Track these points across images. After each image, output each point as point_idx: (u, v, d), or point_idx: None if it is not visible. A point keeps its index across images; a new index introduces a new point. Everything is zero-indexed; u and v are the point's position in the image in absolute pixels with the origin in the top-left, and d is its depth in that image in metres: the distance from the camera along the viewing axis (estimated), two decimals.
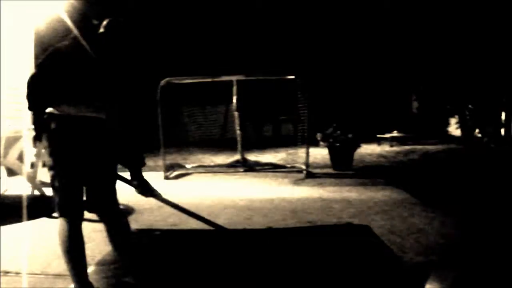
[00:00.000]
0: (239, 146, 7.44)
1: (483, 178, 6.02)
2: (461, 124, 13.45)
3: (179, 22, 14.02)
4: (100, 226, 3.64)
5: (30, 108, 2.13)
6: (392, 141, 11.84)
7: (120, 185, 5.63)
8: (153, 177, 6.46)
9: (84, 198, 2.18)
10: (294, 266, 2.66)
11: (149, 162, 8.31)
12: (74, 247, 2.02)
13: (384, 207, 4.22)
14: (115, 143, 2.25)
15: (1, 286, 2.35)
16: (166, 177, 6.39)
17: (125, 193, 5.12)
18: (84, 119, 2.06)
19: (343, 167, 6.87)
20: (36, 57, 6.83)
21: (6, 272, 2.54)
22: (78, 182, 2.09)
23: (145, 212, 4.14)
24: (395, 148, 11.05)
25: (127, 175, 5.06)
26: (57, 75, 2.09)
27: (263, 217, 3.92)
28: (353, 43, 14.41)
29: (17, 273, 2.54)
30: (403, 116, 14.91)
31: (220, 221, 3.71)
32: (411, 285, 2.41)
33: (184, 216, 3.99)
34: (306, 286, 2.37)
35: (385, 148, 11.07)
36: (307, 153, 6.65)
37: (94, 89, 2.13)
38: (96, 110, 2.10)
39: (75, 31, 2.15)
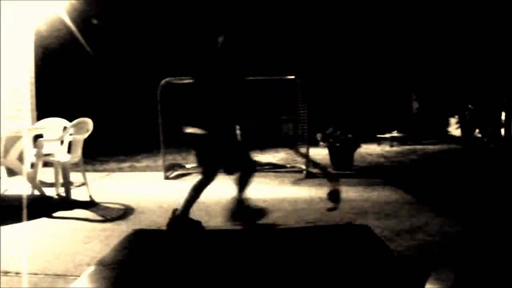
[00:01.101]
0: None
1: (483, 178, 6.02)
2: (461, 124, 13.42)
3: (179, 21, 14.02)
4: (100, 226, 3.66)
5: None
6: (392, 141, 11.82)
7: (119, 185, 5.57)
8: (153, 177, 6.48)
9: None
10: (293, 266, 2.66)
11: (149, 162, 8.33)
12: (199, 191, 3.26)
13: (384, 207, 4.23)
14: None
15: (1, 286, 2.35)
16: (166, 177, 6.39)
17: (125, 194, 5.13)
18: (195, 135, 3.25)
19: (343, 167, 6.86)
20: (37, 58, 6.84)
21: (6, 272, 2.54)
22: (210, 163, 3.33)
23: (145, 212, 4.14)
24: (395, 148, 11.05)
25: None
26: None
27: (263, 216, 3.91)
28: (353, 43, 14.41)
29: (17, 273, 2.54)
30: (403, 116, 14.88)
31: (220, 220, 3.71)
32: (411, 285, 2.41)
33: None
34: (306, 286, 2.38)
35: (385, 148, 11.07)
36: (307, 153, 6.64)
37: (196, 113, 3.32)
38: (200, 128, 3.22)
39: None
